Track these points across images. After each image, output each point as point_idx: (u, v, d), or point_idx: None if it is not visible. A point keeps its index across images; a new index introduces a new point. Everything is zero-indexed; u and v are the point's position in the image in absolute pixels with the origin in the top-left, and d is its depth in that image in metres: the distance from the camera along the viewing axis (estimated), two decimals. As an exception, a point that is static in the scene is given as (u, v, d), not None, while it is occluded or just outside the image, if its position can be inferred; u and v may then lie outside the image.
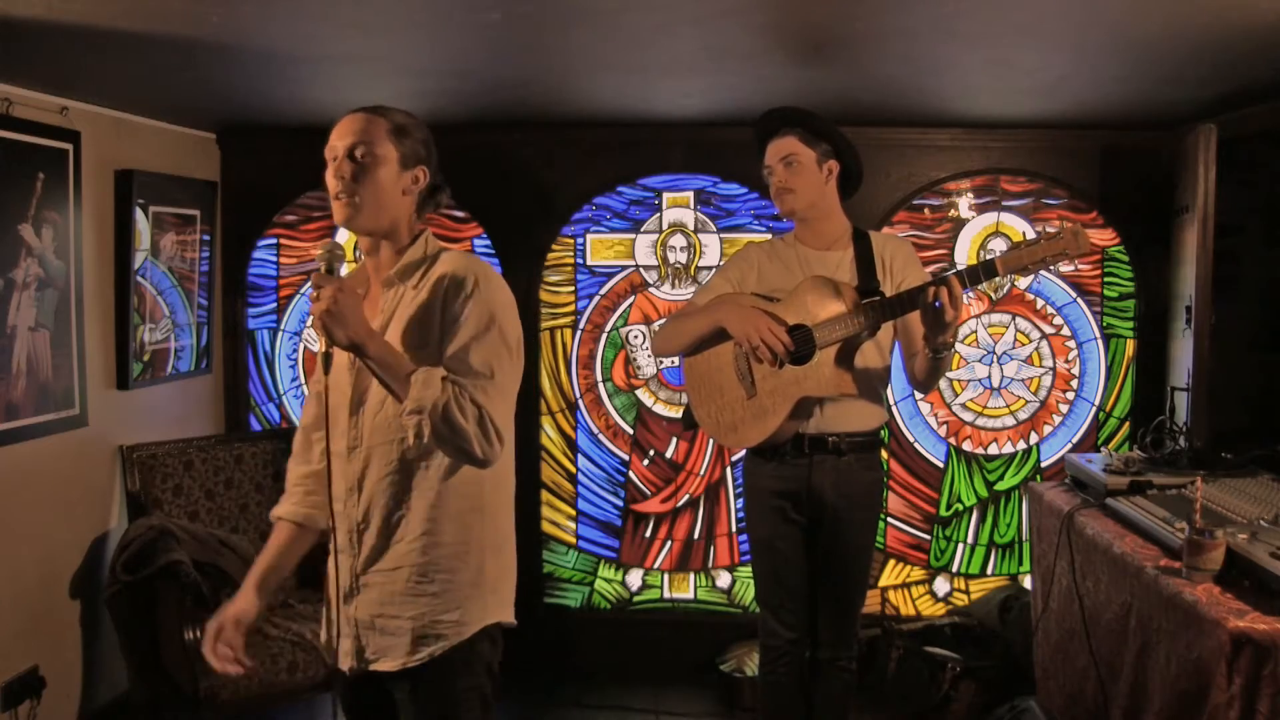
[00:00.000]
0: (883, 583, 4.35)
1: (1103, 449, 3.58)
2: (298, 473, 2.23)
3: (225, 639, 2.06)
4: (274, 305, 4.53)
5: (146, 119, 3.91)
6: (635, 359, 4.42)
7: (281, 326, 4.52)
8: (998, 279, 2.63)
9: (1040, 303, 4.27)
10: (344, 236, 4.47)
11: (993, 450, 4.34)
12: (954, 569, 4.37)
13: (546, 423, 4.45)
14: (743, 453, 3.21)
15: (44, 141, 3.35)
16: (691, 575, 4.47)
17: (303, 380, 4.53)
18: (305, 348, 4.51)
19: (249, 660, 2.08)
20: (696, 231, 4.37)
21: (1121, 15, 2.48)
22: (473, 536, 2.05)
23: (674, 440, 4.43)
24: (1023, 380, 4.30)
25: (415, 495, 2.00)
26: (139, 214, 3.83)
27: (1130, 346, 4.24)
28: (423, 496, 2.00)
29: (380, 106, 2.04)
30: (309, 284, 4.43)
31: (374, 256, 2.08)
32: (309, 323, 2.23)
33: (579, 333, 4.42)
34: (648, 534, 4.47)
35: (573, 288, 4.42)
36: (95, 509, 3.74)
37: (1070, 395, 4.29)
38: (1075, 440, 4.30)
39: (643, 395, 4.43)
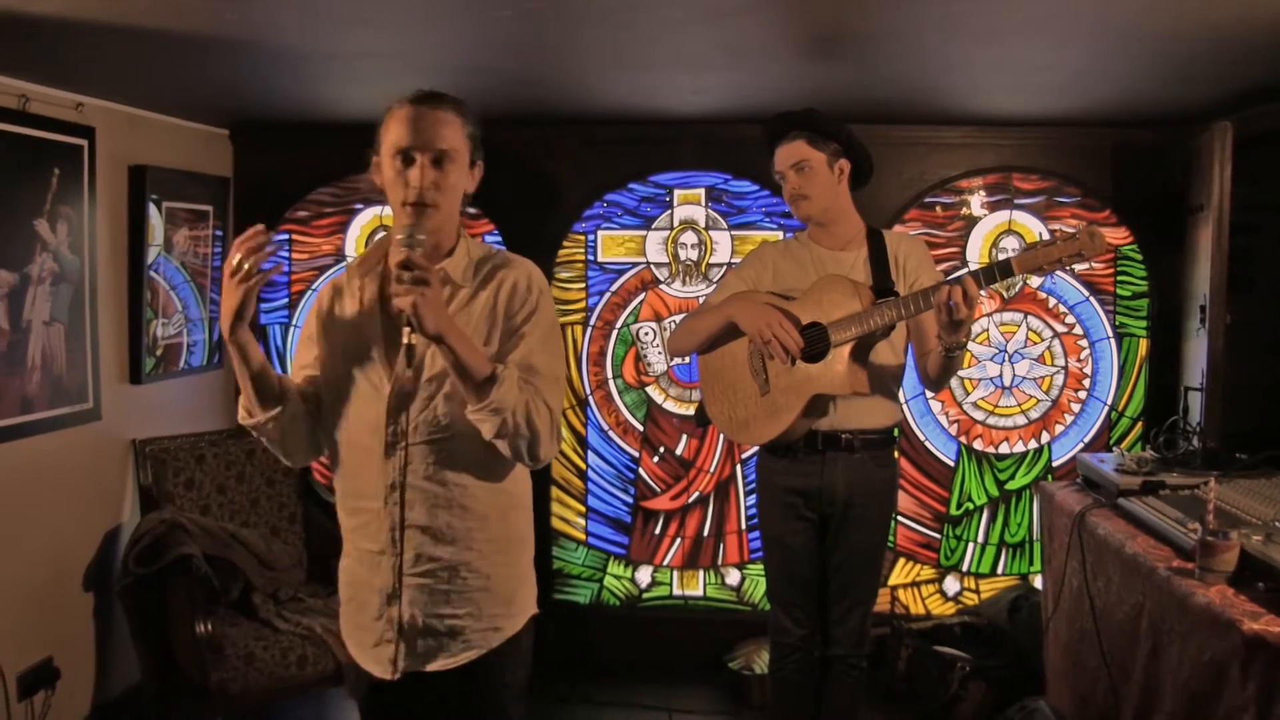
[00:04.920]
0: (892, 581, 4.34)
1: (1115, 449, 3.58)
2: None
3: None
4: (286, 301, 4.54)
5: (160, 115, 3.93)
6: (646, 356, 4.41)
7: (293, 322, 4.53)
8: (1013, 279, 2.63)
9: (1052, 301, 4.26)
10: (368, 216, 4.49)
11: (1004, 449, 4.32)
12: (964, 568, 4.36)
13: (557, 419, 4.45)
14: (753, 450, 3.22)
15: (59, 137, 3.36)
16: (701, 572, 4.47)
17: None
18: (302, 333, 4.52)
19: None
20: (708, 229, 4.36)
21: (1135, 11, 2.47)
22: (512, 532, 2.07)
23: (684, 437, 4.43)
24: (1034, 379, 4.29)
25: (459, 494, 1.99)
26: (152, 209, 3.85)
27: (1143, 346, 4.23)
28: (466, 494, 1.99)
29: (443, 98, 1.97)
30: (318, 281, 4.49)
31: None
32: (348, 302, 2.10)
33: (589, 329, 4.42)
34: (657, 531, 4.47)
35: (583, 284, 4.42)
36: (108, 502, 3.76)
37: (1082, 394, 4.28)
38: (1087, 440, 4.28)
39: (653, 392, 4.43)
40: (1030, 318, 4.28)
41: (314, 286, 4.51)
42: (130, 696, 3.76)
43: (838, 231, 2.97)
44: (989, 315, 4.27)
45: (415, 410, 1.97)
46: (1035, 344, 4.28)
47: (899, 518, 4.32)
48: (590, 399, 4.45)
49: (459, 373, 1.85)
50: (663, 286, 4.39)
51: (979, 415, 4.32)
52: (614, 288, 4.41)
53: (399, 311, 1.78)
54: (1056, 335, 4.26)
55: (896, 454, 3.08)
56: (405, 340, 1.81)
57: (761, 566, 4.26)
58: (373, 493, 2.00)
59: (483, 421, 1.87)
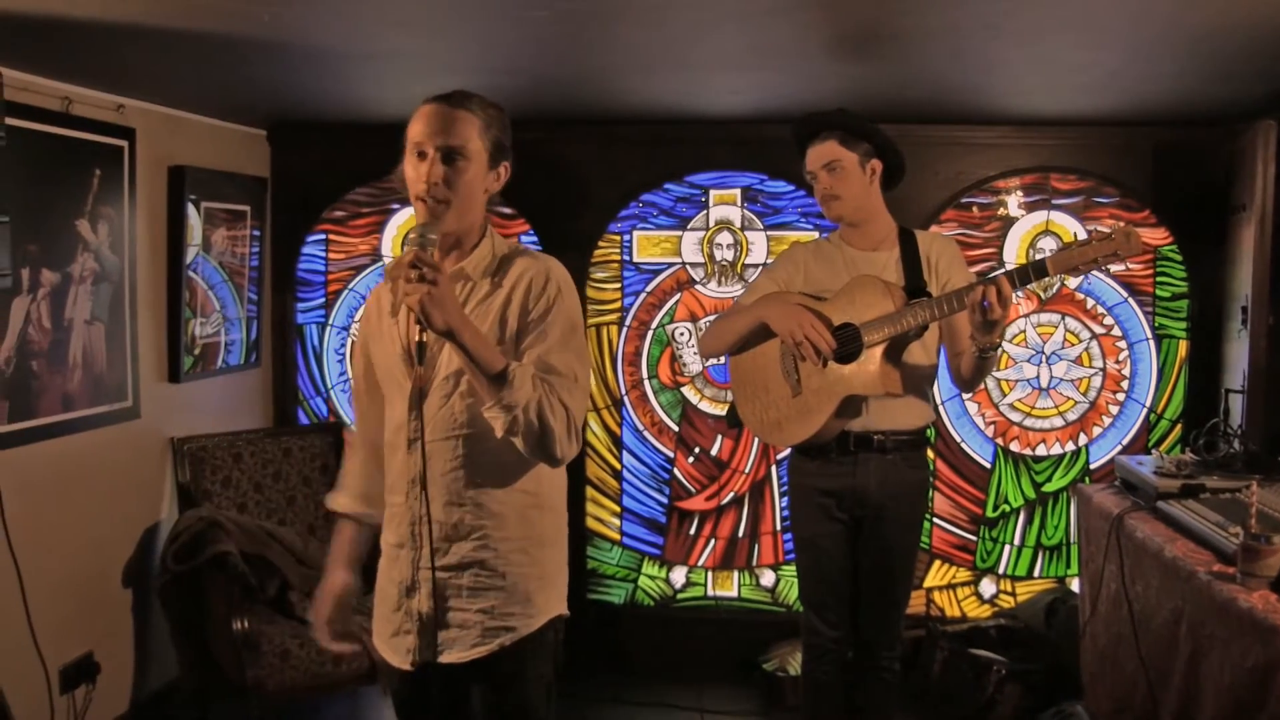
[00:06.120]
0: (928, 584, 4.31)
1: (1154, 451, 3.53)
2: (355, 461, 2.31)
3: (327, 617, 2.19)
4: (322, 300, 4.58)
5: (199, 116, 3.97)
6: (681, 356, 4.41)
7: (330, 321, 4.57)
8: (1048, 279, 2.60)
9: (1090, 302, 4.21)
10: (405, 216, 4.52)
11: (1041, 451, 4.28)
12: (1000, 571, 4.32)
13: (592, 419, 4.46)
14: (787, 451, 3.21)
15: (100, 139, 3.41)
16: (735, 573, 4.46)
17: (350, 375, 4.58)
18: (353, 342, 4.56)
19: (357, 636, 2.20)
20: (743, 229, 4.35)
21: (1175, 8, 2.43)
22: (535, 532, 2.07)
23: (719, 438, 4.42)
24: (1072, 381, 4.24)
25: (478, 492, 2.00)
26: (191, 209, 3.89)
27: (1183, 347, 4.17)
28: (485, 493, 2.01)
29: (468, 98, 1.99)
30: (354, 281, 4.53)
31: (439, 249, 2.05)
32: (386, 309, 2.15)
33: (625, 329, 4.43)
34: (692, 531, 4.46)
35: (619, 285, 4.42)
36: (147, 499, 3.81)
37: (1120, 396, 4.23)
38: (1125, 442, 4.23)
39: (688, 392, 4.43)
40: (1068, 319, 4.23)
41: (350, 286, 4.55)
42: (168, 691, 3.80)
43: (869, 232, 2.95)
44: (1026, 316, 4.23)
45: (434, 407, 2.00)
46: (1073, 345, 4.23)
47: (935, 519, 4.29)
48: (625, 399, 4.45)
49: (471, 368, 1.86)
50: (698, 287, 4.39)
51: (1016, 417, 4.28)
52: (649, 288, 4.41)
53: (408, 309, 1.81)
54: (1094, 336, 4.22)
55: (931, 455, 3.05)
56: (416, 337, 1.85)
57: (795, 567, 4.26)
58: (397, 488, 2.06)
59: (495, 418, 1.86)
